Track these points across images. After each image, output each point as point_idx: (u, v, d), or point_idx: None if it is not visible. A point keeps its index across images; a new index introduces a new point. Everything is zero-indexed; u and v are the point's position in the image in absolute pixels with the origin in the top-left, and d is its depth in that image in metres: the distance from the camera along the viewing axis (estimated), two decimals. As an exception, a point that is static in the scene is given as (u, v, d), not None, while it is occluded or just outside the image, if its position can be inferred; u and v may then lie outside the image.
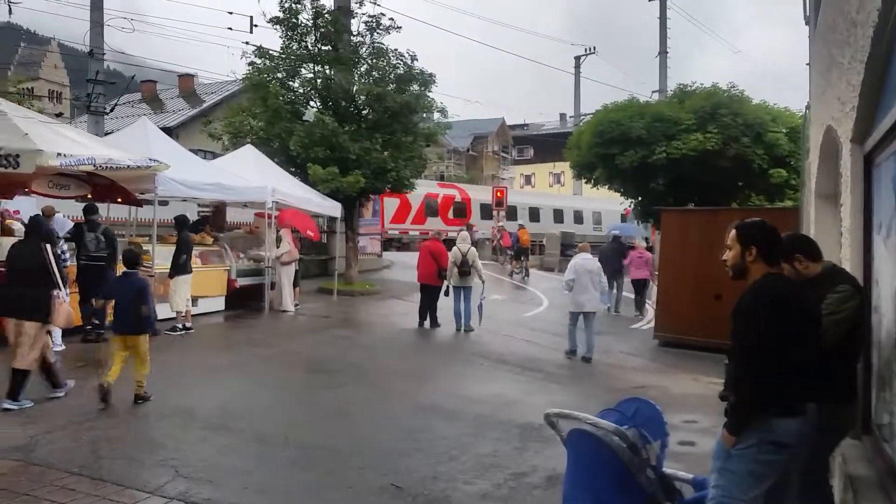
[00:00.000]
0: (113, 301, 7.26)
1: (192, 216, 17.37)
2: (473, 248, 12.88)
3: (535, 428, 6.40)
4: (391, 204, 30.23)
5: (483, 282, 12.74)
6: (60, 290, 7.02)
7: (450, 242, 13.82)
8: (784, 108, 22.43)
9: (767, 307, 3.10)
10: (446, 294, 12.75)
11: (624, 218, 36.08)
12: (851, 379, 3.78)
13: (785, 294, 3.17)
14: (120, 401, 7.18)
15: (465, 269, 12.36)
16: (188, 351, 9.37)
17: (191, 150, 16.36)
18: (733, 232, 3.39)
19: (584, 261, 10.80)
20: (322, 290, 16.87)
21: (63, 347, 9.14)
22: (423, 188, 30.87)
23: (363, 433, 6.49)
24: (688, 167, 20.56)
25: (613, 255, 16.63)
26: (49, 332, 7.21)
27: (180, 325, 10.71)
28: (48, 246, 7.03)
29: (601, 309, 11.07)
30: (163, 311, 11.11)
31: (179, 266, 10.84)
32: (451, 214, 34.17)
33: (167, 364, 8.68)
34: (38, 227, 7.26)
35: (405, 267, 23.06)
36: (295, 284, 14.13)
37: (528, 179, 68.83)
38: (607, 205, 42.85)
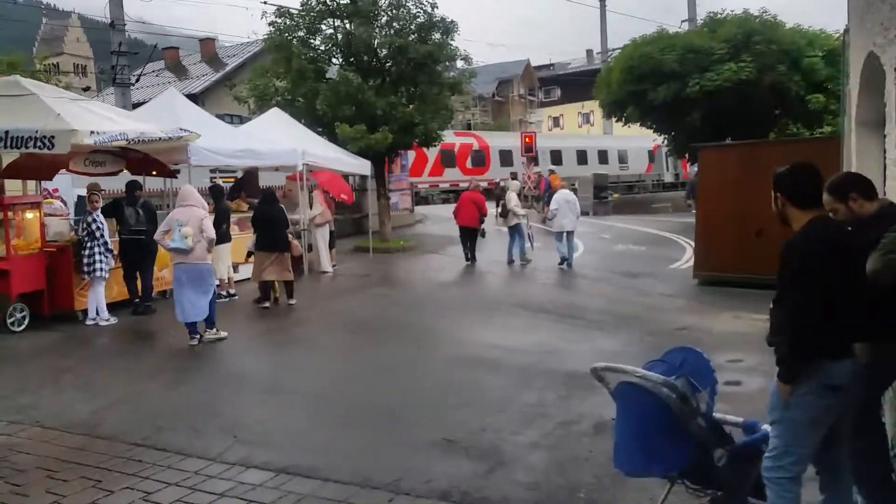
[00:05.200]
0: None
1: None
2: (511, 194, 15.26)
3: (578, 376, 6.43)
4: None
5: (521, 215, 14.81)
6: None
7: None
8: (819, 30, 21.62)
9: (812, 253, 3.10)
10: (482, 235, 15.46)
11: (652, 155, 41.00)
12: None
13: (829, 238, 3.16)
14: (174, 370, 7.43)
15: (504, 212, 15.02)
16: (234, 318, 9.58)
17: (217, 115, 16.46)
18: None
19: (563, 194, 14.66)
20: (358, 248, 17.02)
21: (115, 321, 9.41)
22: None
23: (411, 389, 6.62)
24: (723, 99, 20.07)
25: None
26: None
27: (224, 293, 10.91)
28: (282, 207, 11.04)
29: (577, 227, 14.57)
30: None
31: (220, 235, 10.96)
32: (469, 164, 33.83)
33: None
34: (273, 196, 11.23)
35: (438, 220, 23.10)
36: (331, 246, 14.24)
37: (556, 122, 67.67)
38: (634, 142, 42.25)
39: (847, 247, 3.22)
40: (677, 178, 40.75)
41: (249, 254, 11.35)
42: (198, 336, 8.28)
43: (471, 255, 14.94)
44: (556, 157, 36.65)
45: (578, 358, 7.17)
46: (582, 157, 39.27)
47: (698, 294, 11.26)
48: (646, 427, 3.59)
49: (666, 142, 25.75)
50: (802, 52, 20.14)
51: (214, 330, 8.47)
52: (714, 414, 3.71)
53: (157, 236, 8.62)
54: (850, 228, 3.61)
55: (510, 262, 14.63)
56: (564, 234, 14.11)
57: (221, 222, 10.98)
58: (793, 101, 20.47)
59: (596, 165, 37.76)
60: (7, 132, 8.40)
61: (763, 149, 12.43)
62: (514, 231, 14.72)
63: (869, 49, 6.29)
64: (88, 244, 9.35)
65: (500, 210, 14.68)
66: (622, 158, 41.38)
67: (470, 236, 15.00)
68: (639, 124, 24.98)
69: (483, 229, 15.35)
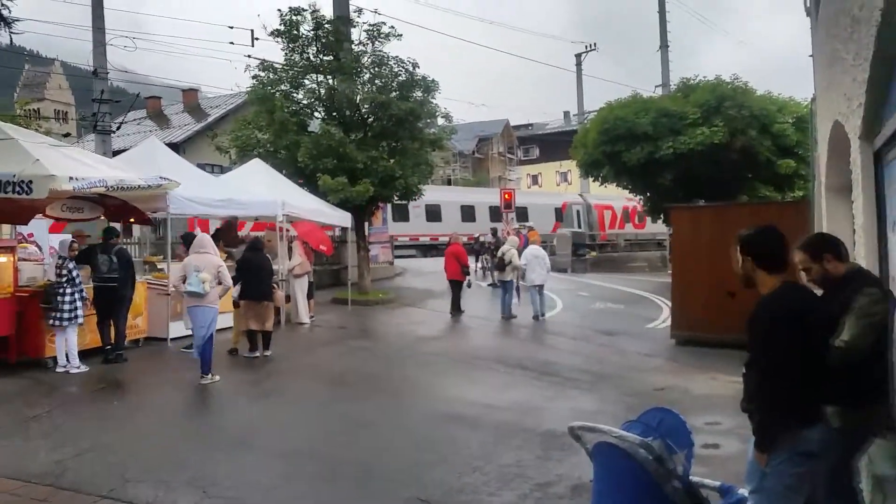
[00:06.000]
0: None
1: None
2: (513, 250, 15.49)
3: (556, 436, 6.42)
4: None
5: (515, 269, 15.13)
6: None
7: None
8: (789, 97, 22.40)
9: (783, 319, 3.14)
10: (469, 286, 16.08)
11: (560, 213, 38.49)
12: (882, 380, 3.78)
13: (799, 304, 3.21)
14: (144, 420, 7.26)
15: (501, 265, 15.31)
16: (207, 368, 9.44)
17: (198, 164, 16.54)
18: (736, 242, 3.44)
19: (532, 250, 15.34)
20: (336, 300, 16.94)
21: (86, 369, 9.20)
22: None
23: (387, 445, 6.53)
24: (695, 161, 20.56)
25: None
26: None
27: (197, 343, 10.76)
28: (267, 255, 11.11)
29: (546, 281, 15.12)
30: (179, 329, 11.22)
31: None
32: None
33: (187, 382, 8.76)
34: (260, 244, 11.14)
35: (417, 274, 23.15)
36: (309, 296, 14.17)
37: (535, 179, 68.62)
38: (538, 198, 41.02)
39: (816, 312, 3.26)
40: (593, 240, 37.42)
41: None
42: (191, 352, 9.01)
43: (452, 308, 15.41)
44: (435, 212, 33.77)
45: (556, 417, 7.15)
46: (468, 212, 35.13)
47: (675, 354, 11.32)
48: (623, 490, 3.58)
49: (641, 201, 26.21)
50: (773, 118, 20.77)
51: (209, 375, 8.84)
52: (691, 477, 3.71)
53: (174, 281, 9.34)
54: (818, 291, 3.70)
55: (511, 315, 14.91)
56: (535, 287, 14.82)
57: None
58: (763, 164, 21.02)
59: (486, 222, 32.47)
60: (-16, 176, 8.35)
61: (734, 210, 12.73)
62: (508, 285, 15.26)
63: (834, 118, 6.53)
64: (69, 290, 9.20)
65: (494, 263, 15.66)
66: (522, 215, 36.08)
67: (453, 289, 15.59)
68: (615, 184, 25.45)
69: (469, 280, 16.18)
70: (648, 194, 24.74)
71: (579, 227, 37.09)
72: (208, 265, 8.89)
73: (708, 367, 9.80)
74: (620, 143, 21.77)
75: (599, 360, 10.81)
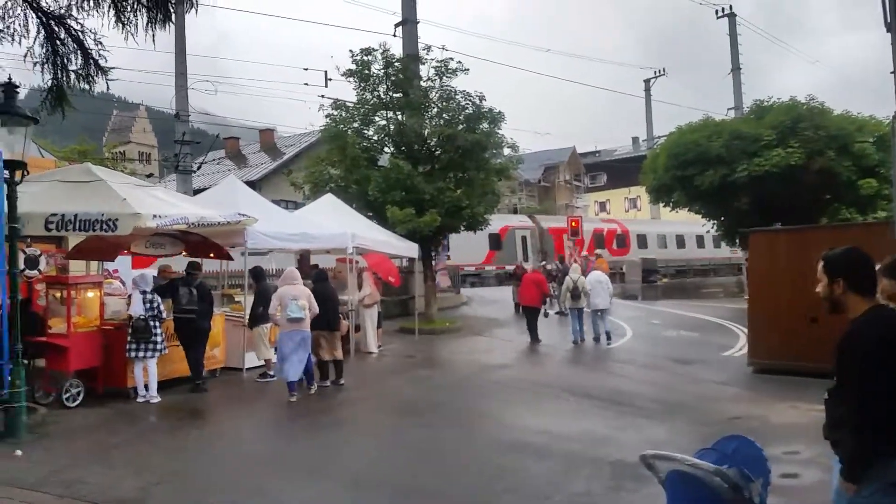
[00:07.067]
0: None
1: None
2: (583, 277, 15.78)
3: (627, 465, 6.27)
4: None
5: (586, 295, 15.26)
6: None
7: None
8: (869, 116, 21.59)
9: (876, 345, 2.98)
10: (545, 315, 16.36)
11: (498, 240, 32.24)
12: None
13: (892, 331, 3.04)
14: (222, 448, 7.48)
15: (576, 293, 15.31)
16: (278, 397, 9.67)
17: (274, 200, 17.11)
18: (820, 264, 3.28)
19: (596, 275, 15.96)
20: (403, 329, 17.10)
21: (158, 399, 9.51)
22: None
23: (455, 473, 6.53)
24: (771, 184, 19.98)
25: None
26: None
27: (271, 373, 11.04)
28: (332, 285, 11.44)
29: (609, 306, 15.60)
30: (253, 359, 11.55)
31: (258, 317, 11.18)
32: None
33: (260, 411, 8.98)
34: (326, 276, 11.51)
35: (483, 303, 23.14)
36: (378, 326, 14.37)
37: (602, 206, 67.85)
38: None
39: None
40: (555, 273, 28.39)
41: None
42: (296, 393, 9.57)
43: (531, 335, 15.42)
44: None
45: (627, 446, 6.99)
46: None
47: (753, 382, 10.91)
48: (697, 519, 3.47)
49: (715, 226, 25.56)
50: (852, 138, 20.05)
51: (316, 384, 10.16)
52: (768, 506, 3.57)
53: (271, 311, 10.02)
54: None
55: (582, 340, 15.16)
56: (599, 312, 15.23)
57: (259, 305, 11.18)
58: (844, 185, 20.26)
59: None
60: (76, 215, 8.88)
61: (814, 233, 12.26)
62: (579, 312, 15.39)
63: (918, 135, 6.28)
64: (158, 323, 9.65)
65: (563, 291, 15.90)
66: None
67: (530, 316, 15.71)
68: (686, 209, 24.96)
69: (546, 310, 16.42)
70: (723, 218, 24.15)
71: (525, 256, 30.93)
72: (302, 294, 9.79)
73: (788, 395, 9.39)
74: (692, 168, 21.41)
75: (672, 389, 10.53)
